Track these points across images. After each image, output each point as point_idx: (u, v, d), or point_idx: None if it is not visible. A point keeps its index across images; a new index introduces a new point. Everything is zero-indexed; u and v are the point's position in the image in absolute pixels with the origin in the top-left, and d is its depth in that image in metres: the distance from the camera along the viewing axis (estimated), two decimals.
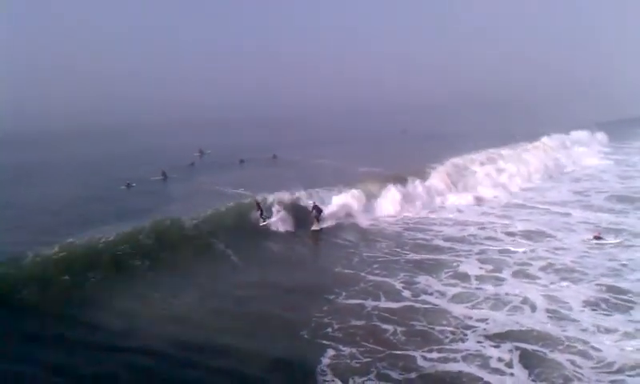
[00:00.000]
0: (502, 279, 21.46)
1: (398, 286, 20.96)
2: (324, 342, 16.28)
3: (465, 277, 21.81)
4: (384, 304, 19.12)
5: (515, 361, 14.97)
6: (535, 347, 15.71)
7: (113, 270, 20.37)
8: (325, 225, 29.48)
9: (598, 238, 25.87)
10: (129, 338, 16.10)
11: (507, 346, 15.81)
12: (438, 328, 17.11)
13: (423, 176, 38.91)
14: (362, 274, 22.49)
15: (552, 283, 20.72)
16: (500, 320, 17.61)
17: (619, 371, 14.38)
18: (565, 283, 20.64)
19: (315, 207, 29.55)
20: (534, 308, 18.46)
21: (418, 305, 19.02)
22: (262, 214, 28.02)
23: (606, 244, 25.33)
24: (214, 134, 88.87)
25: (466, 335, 16.62)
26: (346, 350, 15.73)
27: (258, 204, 28.50)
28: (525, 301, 19.07)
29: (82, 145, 70.76)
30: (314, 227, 28.94)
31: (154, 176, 44.52)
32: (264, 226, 27.66)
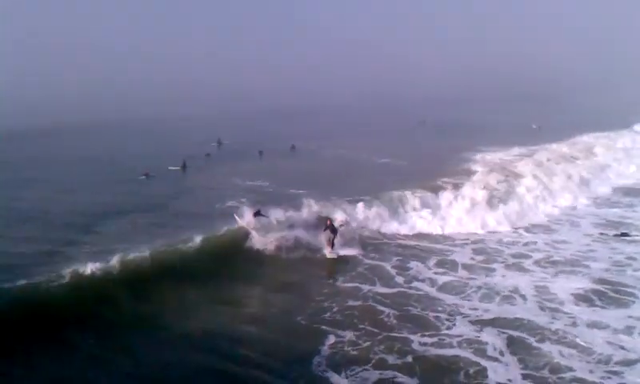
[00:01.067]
0: (498, 270, 22.12)
1: (393, 271, 22.11)
2: (323, 327, 17.20)
3: (460, 266, 22.69)
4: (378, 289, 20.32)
5: (505, 349, 15.61)
6: (526, 336, 16.31)
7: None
8: (343, 252, 24.01)
9: (624, 234, 25.86)
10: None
11: (498, 334, 16.46)
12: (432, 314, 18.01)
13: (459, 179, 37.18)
14: (359, 257, 23.71)
15: (552, 276, 21.21)
16: (493, 309, 18.27)
17: (606, 364, 14.84)
18: (564, 276, 21.11)
19: (330, 226, 23.95)
20: (527, 299, 19.04)
21: (411, 291, 20.01)
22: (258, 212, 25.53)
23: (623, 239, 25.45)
24: (233, 124, 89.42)
25: (458, 321, 17.39)
26: (346, 334, 16.61)
27: (257, 211, 25.61)
28: (518, 291, 19.67)
29: (100, 137, 71.71)
30: (330, 254, 23.56)
31: (172, 166, 45.31)
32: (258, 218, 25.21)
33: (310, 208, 27.60)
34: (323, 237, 23.97)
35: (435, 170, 39.70)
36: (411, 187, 32.71)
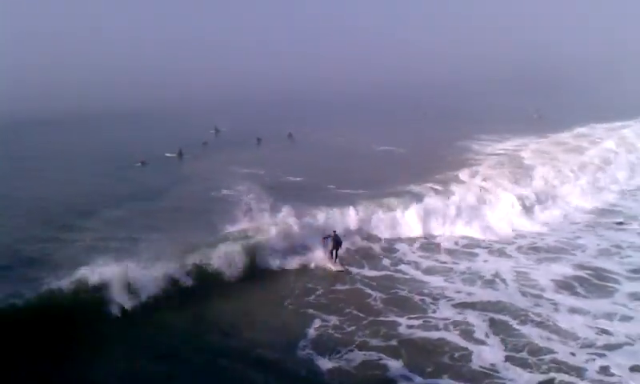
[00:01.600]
0: (483, 256, 22.67)
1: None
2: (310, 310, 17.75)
3: (444, 250, 23.36)
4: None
5: (489, 331, 16.12)
6: (509, 320, 16.81)
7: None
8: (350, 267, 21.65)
9: (620, 223, 26.42)
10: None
11: (480, 317, 17.01)
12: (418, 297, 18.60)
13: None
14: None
15: (539, 262, 21.69)
16: (477, 293, 18.80)
17: (589, 347, 15.27)
18: (552, 263, 21.52)
19: (334, 237, 21.58)
20: (509, 284, 19.55)
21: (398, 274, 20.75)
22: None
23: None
24: (231, 112, 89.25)
25: (442, 304, 17.97)
26: (331, 318, 17.10)
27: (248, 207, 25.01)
28: (499, 276, 20.23)
29: (97, 125, 71.43)
30: (335, 267, 21.28)
31: (169, 153, 45.41)
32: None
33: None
34: (326, 248, 21.91)
35: (440, 162, 39.77)
36: (420, 181, 31.77)
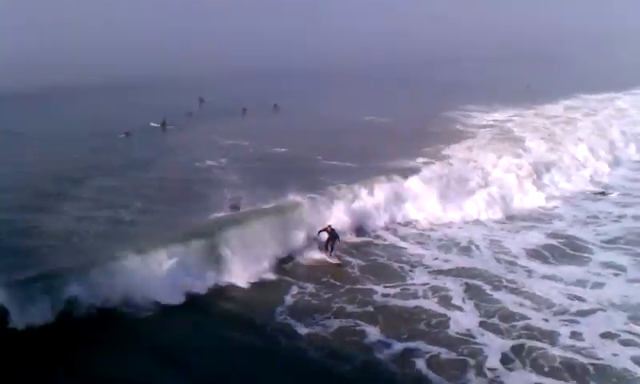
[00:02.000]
0: (458, 223, 23.18)
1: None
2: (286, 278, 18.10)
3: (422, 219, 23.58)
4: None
5: (465, 297, 16.59)
6: (483, 285, 17.34)
7: None
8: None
9: (603, 193, 26.94)
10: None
11: (456, 282, 17.53)
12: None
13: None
14: None
15: (515, 231, 22.19)
16: (453, 260, 19.35)
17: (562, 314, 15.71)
18: (528, 231, 22.00)
19: (330, 232, 20.41)
20: (484, 251, 20.14)
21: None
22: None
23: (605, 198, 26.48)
24: (217, 82, 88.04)
25: (418, 271, 18.53)
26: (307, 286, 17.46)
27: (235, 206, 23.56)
28: (474, 243, 20.81)
29: (78, 96, 69.81)
30: (331, 259, 20.12)
31: (153, 122, 44.93)
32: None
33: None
34: (320, 241, 20.94)
35: (432, 134, 39.15)
36: (414, 156, 30.91)
